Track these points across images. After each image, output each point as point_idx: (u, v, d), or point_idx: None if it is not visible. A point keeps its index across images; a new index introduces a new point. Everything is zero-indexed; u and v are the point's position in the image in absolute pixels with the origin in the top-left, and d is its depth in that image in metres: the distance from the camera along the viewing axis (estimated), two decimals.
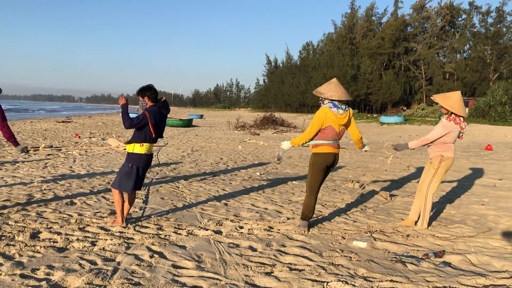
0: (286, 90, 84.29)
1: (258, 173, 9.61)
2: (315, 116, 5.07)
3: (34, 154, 11.68)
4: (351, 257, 4.27)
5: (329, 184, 8.47)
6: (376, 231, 5.20)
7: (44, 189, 7.11)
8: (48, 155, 11.64)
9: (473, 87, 59.96)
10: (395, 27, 68.45)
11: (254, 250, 4.47)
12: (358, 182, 8.57)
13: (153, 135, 5.10)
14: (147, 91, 5.17)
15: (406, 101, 67.80)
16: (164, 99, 5.37)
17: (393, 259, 4.24)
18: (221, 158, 12.30)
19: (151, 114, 5.05)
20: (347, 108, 5.11)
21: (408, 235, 5.07)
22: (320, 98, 5.15)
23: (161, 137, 5.34)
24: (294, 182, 8.66)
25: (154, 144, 5.29)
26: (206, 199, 6.88)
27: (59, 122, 29.92)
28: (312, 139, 5.15)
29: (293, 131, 26.26)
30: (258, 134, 23.07)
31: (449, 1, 67.13)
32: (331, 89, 5.06)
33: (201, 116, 51.04)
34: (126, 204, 5.31)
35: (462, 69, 62.77)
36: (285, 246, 4.58)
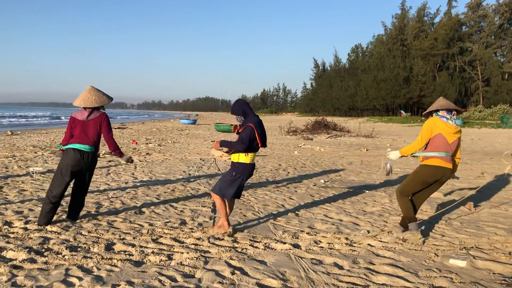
0: (335, 93, 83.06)
1: (322, 181, 9.22)
2: (424, 125, 4.92)
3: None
4: (452, 278, 3.82)
5: None
6: (472, 247, 4.69)
7: (111, 197, 7.06)
8: (109, 161, 11.76)
9: None
10: (449, 27, 65.88)
11: (340, 267, 4.11)
12: None
13: (260, 144, 5.05)
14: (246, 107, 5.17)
15: (461, 103, 64.91)
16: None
17: (503, 282, 3.75)
18: (280, 164, 11.99)
19: (256, 125, 4.98)
20: (457, 124, 4.90)
21: (510, 253, 4.53)
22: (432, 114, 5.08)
23: (265, 146, 5.22)
24: (364, 190, 8.21)
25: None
26: (275, 209, 6.58)
27: (115, 128, 30.73)
28: (422, 151, 4.97)
29: (348, 136, 25.59)
30: (312, 139, 22.61)
31: None
32: (434, 103, 5.01)
33: None
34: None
35: None
36: (373, 264, 4.19)
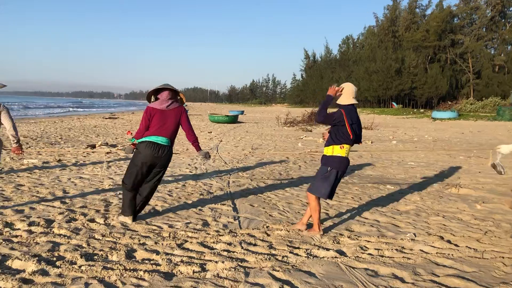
0: (325, 85, 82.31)
1: None
2: None
3: (93, 152, 11.17)
4: None
5: (429, 190, 7.47)
6: None
7: (119, 193, 6.43)
8: (107, 153, 11.10)
9: None
10: (440, 19, 65.61)
11: (402, 280, 3.56)
12: (461, 186, 7.53)
13: (351, 136, 4.56)
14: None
15: (452, 96, 64.93)
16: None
17: None
18: (287, 158, 11.44)
19: (347, 112, 4.53)
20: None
21: None
22: None
23: (359, 141, 4.80)
24: (387, 186, 7.70)
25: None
26: (301, 207, 6.02)
27: (106, 118, 29.86)
28: None
29: None
30: (311, 131, 22.08)
31: None
32: None
33: (242, 112, 50.31)
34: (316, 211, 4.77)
35: None
36: (437, 276, 3.66)
